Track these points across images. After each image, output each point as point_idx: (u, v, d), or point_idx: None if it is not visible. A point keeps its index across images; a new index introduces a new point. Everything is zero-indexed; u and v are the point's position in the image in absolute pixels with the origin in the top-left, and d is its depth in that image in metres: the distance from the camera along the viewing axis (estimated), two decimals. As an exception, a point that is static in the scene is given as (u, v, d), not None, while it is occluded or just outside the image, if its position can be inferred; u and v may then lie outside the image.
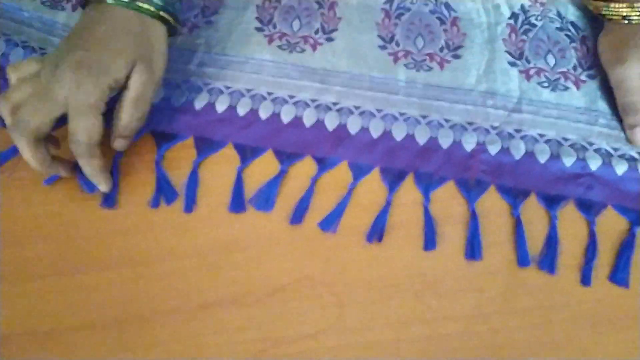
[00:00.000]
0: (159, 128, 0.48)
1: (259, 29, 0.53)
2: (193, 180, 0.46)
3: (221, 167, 0.47)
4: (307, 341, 0.40)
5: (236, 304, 0.41)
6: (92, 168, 0.41)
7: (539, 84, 0.51)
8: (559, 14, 0.56)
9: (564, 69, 0.52)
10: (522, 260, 0.43)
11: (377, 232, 0.44)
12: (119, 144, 0.43)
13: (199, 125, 0.48)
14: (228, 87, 0.50)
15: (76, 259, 0.43)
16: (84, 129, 0.38)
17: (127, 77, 0.40)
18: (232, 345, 0.40)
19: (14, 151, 0.45)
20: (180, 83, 0.50)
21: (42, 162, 0.40)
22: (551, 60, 0.53)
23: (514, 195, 0.45)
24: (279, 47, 0.52)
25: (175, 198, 0.45)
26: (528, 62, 0.52)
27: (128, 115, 0.41)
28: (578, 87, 0.51)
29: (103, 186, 0.43)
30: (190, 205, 0.45)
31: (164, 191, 0.45)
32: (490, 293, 0.42)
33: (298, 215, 0.44)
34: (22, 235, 0.43)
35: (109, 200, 0.45)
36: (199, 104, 0.49)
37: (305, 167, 0.47)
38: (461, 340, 0.41)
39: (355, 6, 0.55)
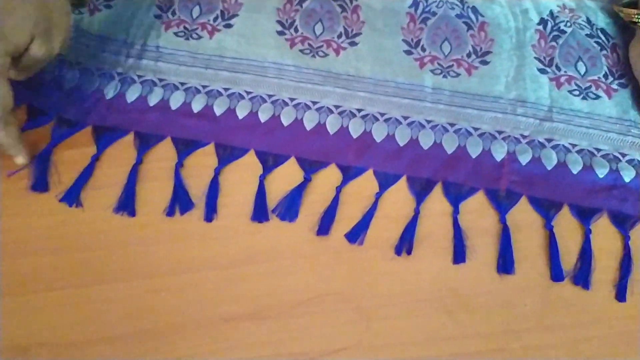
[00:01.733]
0: (180, 134, 0.47)
1: (280, 33, 0.53)
2: (214, 189, 0.45)
3: (242, 175, 0.46)
4: (330, 357, 0.40)
5: (258, 317, 0.41)
6: (9, 137, 0.41)
7: (570, 92, 0.51)
8: (588, 21, 0.55)
9: (595, 77, 0.52)
10: (556, 275, 0.42)
11: (405, 244, 0.43)
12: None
13: (220, 132, 0.48)
14: (249, 93, 0.50)
15: (93, 270, 0.42)
16: None
17: (26, 47, 0.40)
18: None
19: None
20: (199, 88, 0.49)
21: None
22: (582, 67, 0.52)
23: (547, 208, 0.45)
24: (301, 51, 0.52)
25: (191, 207, 0.45)
26: (558, 69, 0.52)
27: (14, 74, 0.41)
28: (609, 96, 0.51)
29: (21, 158, 0.43)
30: (210, 214, 0.44)
31: (179, 200, 0.45)
32: (523, 309, 0.42)
33: (324, 226, 0.44)
34: (35, 246, 0.43)
35: (129, 207, 0.44)
36: (219, 109, 0.49)
37: (329, 176, 0.47)
38: (492, 357, 0.40)
39: (379, 10, 0.54)
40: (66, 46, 0.44)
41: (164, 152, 0.47)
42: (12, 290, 0.41)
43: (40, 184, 0.44)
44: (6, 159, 0.44)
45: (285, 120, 0.48)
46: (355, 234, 0.44)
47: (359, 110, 0.49)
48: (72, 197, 0.44)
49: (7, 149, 0.42)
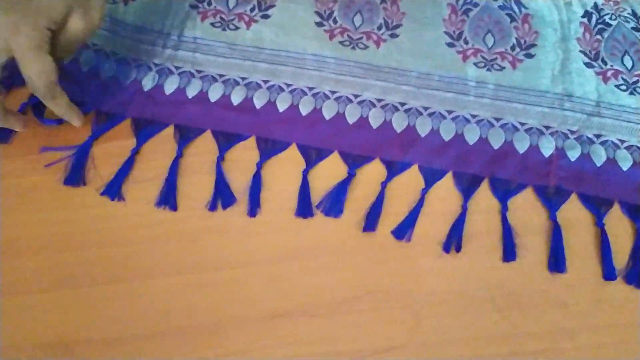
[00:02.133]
0: (220, 127, 0.46)
1: (318, 24, 0.52)
2: (256, 183, 0.45)
3: (285, 169, 0.46)
4: (381, 356, 0.39)
5: (306, 314, 0.40)
6: (60, 107, 0.41)
7: (617, 86, 0.50)
8: (633, 14, 0.54)
9: (642, 71, 0.51)
10: (608, 273, 0.42)
11: (454, 241, 0.43)
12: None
13: (260, 125, 0.47)
14: (289, 85, 0.49)
15: (136, 264, 0.42)
16: (37, 73, 0.38)
17: (63, 21, 0.39)
18: (302, 358, 0.39)
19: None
20: (238, 80, 0.49)
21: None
22: (628, 62, 0.51)
23: (597, 205, 0.44)
24: (341, 43, 0.51)
25: (234, 202, 0.44)
26: (604, 63, 0.51)
27: (57, 52, 0.41)
28: (658, 91, 0.50)
29: (76, 121, 0.43)
30: (254, 209, 0.44)
31: (221, 194, 0.44)
32: (575, 308, 0.41)
33: (371, 222, 0.43)
34: (77, 240, 0.42)
35: (171, 201, 0.43)
36: (259, 102, 0.48)
37: (373, 171, 0.46)
38: (545, 357, 0.39)
39: (419, 0, 0.53)
40: (103, 20, 0.43)
41: (204, 146, 0.46)
42: (55, 285, 0.40)
43: (74, 178, 0.44)
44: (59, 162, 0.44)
45: (327, 114, 0.48)
46: (402, 231, 0.43)
47: (402, 104, 0.48)
48: (113, 190, 0.43)
49: (61, 116, 0.43)
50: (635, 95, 0.49)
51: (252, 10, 0.53)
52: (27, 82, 0.39)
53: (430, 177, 0.45)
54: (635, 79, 0.51)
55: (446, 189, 0.45)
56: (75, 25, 0.40)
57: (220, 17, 0.52)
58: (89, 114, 0.47)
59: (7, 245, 0.41)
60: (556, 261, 0.42)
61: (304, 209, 0.44)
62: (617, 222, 0.44)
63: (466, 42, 0.52)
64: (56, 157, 0.45)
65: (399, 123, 0.47)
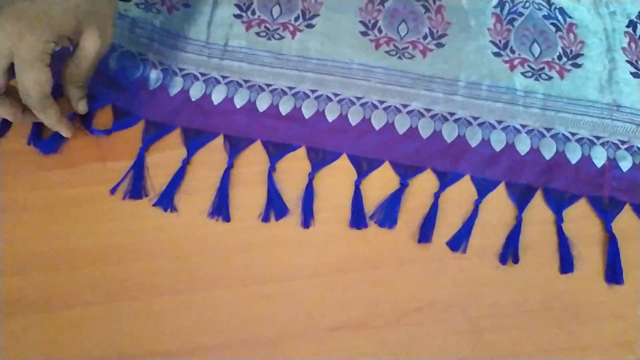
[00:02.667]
0: (270, 137, 0.47)
1: (363, 33, 0.52)
2: (309, 194, 0.45)
3: (336, 179, 0.46)
4: (442, 369, 0.39)
5: (366, 327, 0.40)
6: (49, 118, 0.41)
7: (665, 97, 0.50)
8: (677, 22, 0.55)
9: (689, 82, 0.51)
10: (666, 285, 0.42)
11: (510, 252, 0.43)
12: (79, 106, 0.44)
13: (310, 135, 0.47)
14: (336, 95, 0.49)
15: (192, 277, 0.41)
16: (32, 82, 0.37)
17: (72, 36, 0.39)
18: (362, 372, 0.39)
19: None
20: (285, 90, 0.49)
21: (12, 114, 0.40)
22: (675, 72, 0.52)
23: (651, 216, 0.44)
24: (387, 52, 0.51)
25: (286, 213, 0.44)
26: (652, 72, 0.51)
27: (78, 81, 0.42)
28: None
29: (65, 132, 0.43)
30: (308, 220, 0.44)
31: (274, 205, 0.44)
32: (635, 320, 0.41)
33: (426, 233, 0.43)
34: (131, 253, 0.42)
35: (223, 212, 0.43)
36: (308, 112, 0.48)
37: (425, 181, 0.46)
38: (608, 370, 0.39)
39: (465, 9, 0.54)
40: (113, 35, 0.43)
41: (255, 156, 0.46)
42: (111, 297, 0.40)
43: (137, 191, 0.44)
44: (107, 172, 0.44)
45: (377, 124, 0.48)
46: (458, 242, 0.43)
47: (451, 114, 0.48)
48: (166, 201, 0.43)
49: (51, 127, 0.43)
50: (683, 105, 0.50)
51: (296, 19, 0.53)
52: (20, 90, 0.38)
53: (483, 188, 0.45)
54: (682, 89, 0.51)
55: (499, 199, 0.45)
56: (89, 44, 0.40)
57: (265, 27, 0.52)
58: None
59: (61, 256, 0.41)
60: (613, 273, 0.42)
61: (358, 219, 0.44)
62: (673, 233, 0.44)
63: (512, 52, 0.52)
64: (106, 169, 0.45)
65: (448, 133, 0.48)
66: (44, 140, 0.45)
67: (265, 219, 0.44)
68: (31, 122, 0.44)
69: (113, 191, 0.44)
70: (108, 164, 0.45)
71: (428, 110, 0.49)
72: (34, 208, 0.43)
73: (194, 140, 0.46)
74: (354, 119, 0.48)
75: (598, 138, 0.48)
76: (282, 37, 0.52)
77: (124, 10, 0.51)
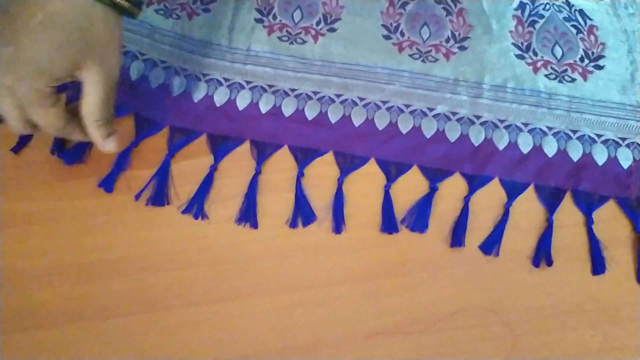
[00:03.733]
0: (297, 142, 0.47)
1: (386, 37, 0.53)
2: (339, 199, 0.45)
3: (366, 184, 0.46)
4: (479, 374, 0.39)
5: (401, 332, 0.41)
6: (78, 139, 0.39)
7: (687, 97, 0.51)
8: (695, 23, 0.55)
9: None
10: (697, 285, 0.42)
11: (543, 255, 0.43)
12: (104, 146, 0.39)
13: (337, 140, 0.47)
14: (362, 99, 0.49)
15: (226, 285, 0.41)
16: (43, 123, 0.36)
17: (73, 76, 0.36)
18: (399, 378, 0.39)
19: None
20: (310, 94, 0.49)
21: (62, 131, 0.37)
22: (696, 71, 0.52)
23: (680, 216, 0.45)
24: (410, 56, 0.52)
25: (314, 219, 0.44)
26: (673, 73, 0.52)
27: (95, 121, 0.37)
28: None
29: (108, 145, 0.39)
30: (339, 226, 0.44)
31: (302, 211, 0.44)
32: (668, 320, 0.42)
33: (458, 237, 0.43)
34: (164, 261, 0.42)
35: (251, 219, 0.43)
36: (334, 116, 0.48)
37: (454, 185, 0.46)
38: (644, 372, 0.40)
39: (486, 12, 0.54)
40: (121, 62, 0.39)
41: (283, 162, 0.47)
42: (145, 307, 0.40)
43: (159, 198, 0.43)
44: (134, 180, 0.44)
45: (403, 128, 0.48)
46: (490, 245, 0.43)
47: (477, 117, 0.49)
48: (195, 209, 0.43)
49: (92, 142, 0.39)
50: None
51: (317, 23, 0.53)
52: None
53: (513, 191, 0.46)
54: (703, 89, 0.51)
55: (529, 202, 0.46)
56: (90, 84, 0.36)
57: (287, 31, 0.52)
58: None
59: (94, 267, 0.41)
60: (645, 273, 0.43)
61: (389, 224, 0.44)
62: (701, 233, 0.45)
63: (535, 54, 0.52)
64: (133, 177, 0.45)
65: (475, 136, 0.48)
66: (68, 151, 0.45)
67: (293, 225, 0.44)
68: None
69: (138, 197, 0.44)
70: (134, 172, 0.45)
71: (454, 113, 0.49)
72: (59, 219, 0.42)
73: (221, 147, 0.46)
74: (381, 123, 0.48)
75: (623, 139, 0.48)
76: (304, 42, 0.52)
77: (143, 18, 0.51)
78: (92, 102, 0.37)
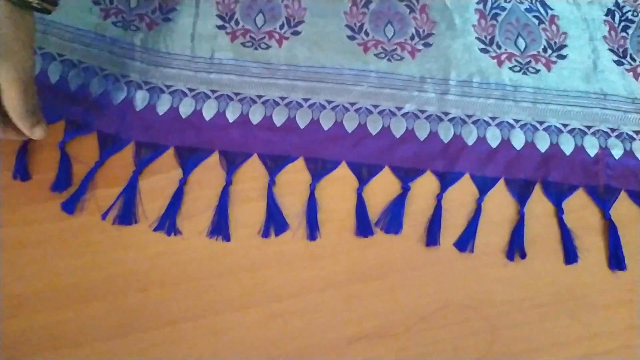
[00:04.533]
0: (266, 150, 0.46)
1: (350, 37, 0.52)
2: (312, 205, 0.45)
3: (338, 188, 0.46)
4: (463, 370, 0.40)
5: (383, 335, 0.41)
6: (14, 137, 0.40)
7: (649, 82, 0.52)
8: (652, 8, 0.57)
9: (670, 64, 0.53)
10: (667, 267, 0.43)
11: (517, 248, 0.44)
12: (34, 134, 0.39)
13: (307, 145, 0.47)
14: (330, 102, 0.49)
15: (204, 300, 0.41)
16: None
17: None
18: (383, 381, 0.39)
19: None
20: (278, 100, 0.48)
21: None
22: (656, 56, 0.54)
23: (647, 200, 0.46)
24: (376, 55, 0.52)
25: (287, 228, 0.44)
26: (633, 60, 0.53)
27: (19, 114, 0.38)
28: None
29: (37, 133, 0.39)
30: (313, 232, 0.44)
31: (274, 220, 0.44)
32: (641, 304, 0.43)
33: (433, 236, 0.44)
34: (140, 280, 0.41)
35: (223, 231, 0.43)
36: (302, 121, 0.48)
37: (425, 183, 0.47)
38: (620, 355, 0.41)
39: (448, 7, 0.54)
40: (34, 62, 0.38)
41: (253, 171, 0.46)
42: (121, 331, 0.39)
43: (127, 216, 0.43)
44: (103, 199, 0.43)
45: (373, 129, 0.48)
46: (465, 242, 0.44)
47: (446, 114, 0.49)
48: (168, 225, 0.43)
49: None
50: (667, 88, 0.52)
51: (281, 27, 0.52)
52: None
53: (484, 186, 0.46)
54: (662, 72, 0.53)
55: (501, 196, 0.46)
56: (4, 81, 0.36)
57: (250, 37, 0.52)
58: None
59: (65, 293, 0.40)
60: (616, 259, 0.44)
61: (364, 228, 0.44)
62: (668, 216, 0.46)
63: (499, 47, 0.53)
64: (101, 196, 0.44)
65: (444, 133, 0.48)
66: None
67: (266, 234, 0.43)
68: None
69: (105, 216, 0.43)
70: (102, 192, 0.44)
71: (422, 111, 0.49)
72: (26, 245, 0.41)
73: (189, 159, 0.46)
74: (350, 125, 0.48)
75: (589, 128, 0.49)
76: (268, 47, 0.51)
77: (101, 31, 0.50)
78: (11, 98, 0.37)
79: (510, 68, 0.52)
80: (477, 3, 0.55)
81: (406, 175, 0.46)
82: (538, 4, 0.56)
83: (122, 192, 0.43)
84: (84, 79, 0.47)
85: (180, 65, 0.50)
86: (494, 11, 0.55)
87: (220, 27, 0.52)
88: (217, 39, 0.51)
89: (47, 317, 0.39)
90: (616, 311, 0.42)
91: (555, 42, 0.54)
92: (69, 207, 0.43)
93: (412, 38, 0.53)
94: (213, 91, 0.49)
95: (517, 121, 0.49)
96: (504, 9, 0.55)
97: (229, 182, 0.45)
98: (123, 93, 0.48)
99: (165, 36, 0.51)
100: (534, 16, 0.55)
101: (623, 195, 0.47)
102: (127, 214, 0.43)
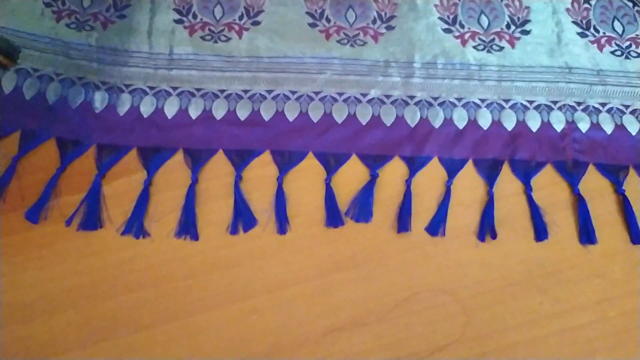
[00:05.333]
0: (231, 146, 0.46)
1: (312, 25, 0.52)
2: (281, 199, 0.44)
3: (306, 180, 0.46)
4: (439, 355, 0.40)
5: (358, 325, 0.41)
6: None
7: (612, 53, 0.52)
8: (614, -23, 0.56)
9: (633, 35, 0.53)
10: (636, 237, 0.44)
11: (487, 229, 0.44)
12: None
13: (273, 138, 0.46)
14: (294, 92, 0.48)
15: (178, 302, 0.41)
16: None
17: None
18: (360, 370, 0.39)
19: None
20: (241, 93, 0.48)
21: None
22: (619, 27, 0.54)
23: (614, 172, 0.46)
24: (339, 42, 0.51)
25: (255, 224, 0.43)
26: (597, 31, 0.53)
27: None
28: (650, 52, 0.52)
29: None
30: (283, 226, 0.43)
31: (242, 217, 0.43)
32: (613, 276, 0.43)
33: (403, 222, 0.43)
34: (108, 287, 0.41)
35: (191, 231, 0.42)
36: (267, 114, 0.47)
37: (394, 170, 0.46)
38: (594, 328, 0.41)
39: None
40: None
41: (219, 168, 0.46)
42: (95, 338, 0.39)
43: (91, 222, 0.42)
44: (66, 206, 0.42)
45: (338, 117, 0.48)
46: (435, 226, 0.44)
47: (411, 98, 0.49)
48: (135, 228, 0.42)
49: None
50: (630, 59, 0.52)
51: (240, 18, 0.51)
52: None
53: (452, 168, 0.46)
54: (627, 43, 0.53)
55: (470, 178, 0.46)
56: None
57: (209, 30, 0.50)
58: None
59: (34, 304, 0.39)
60: (586, 233, 0.44)
61: (334, 218, 0.44)
62: (637, 186, 0.46)
63: (462, 26, 0.52)
64: (65, 204, 0.43)
65: (411, 117, 0.48)
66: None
67: (234, 231, 0.43)
68: None
69: (68, 223, 0.42)
70: (66, 199, 0.43)
71: (388, 96, 0.49)
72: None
73: (153, 159, 0.45)
74: (315, 115, 0.48)
75: (555, 103, 0.49)
76: (228, 39, 0.50)
77: (54, 34, 0.48)
78: None
79: (475, 47, 0.51)
80: (440, -18, 0.55)
81: (374, 163, 0.46)
82: (500, -21, 0.55)
83: (85, 198, 0.43)
84: (39, 87, 0.46)
85: (138, 63, 0.49)
86: (456, -11, 0.54)
87: (177, 22, 0.51)
88: (175, 34, 0.50)
89: (16, 331, 0.38)
90: (588, 285, 0.43)
91: (518, 18, 0.53)
92: (33, 216, 0.42)
93: (374, 22, 0.52)
94: (174, 88, 0.48)
95: (483, 101, 0.49)
96: (465, -14, 0.55)
97: (194, 181, 0.44)
98: (81, 96, 0.47)
99: (121, 34, 0.49)
100: (497, -7, 0.54)
101: (591, 168, 0.47)
102: (91, 219, 0.42)
